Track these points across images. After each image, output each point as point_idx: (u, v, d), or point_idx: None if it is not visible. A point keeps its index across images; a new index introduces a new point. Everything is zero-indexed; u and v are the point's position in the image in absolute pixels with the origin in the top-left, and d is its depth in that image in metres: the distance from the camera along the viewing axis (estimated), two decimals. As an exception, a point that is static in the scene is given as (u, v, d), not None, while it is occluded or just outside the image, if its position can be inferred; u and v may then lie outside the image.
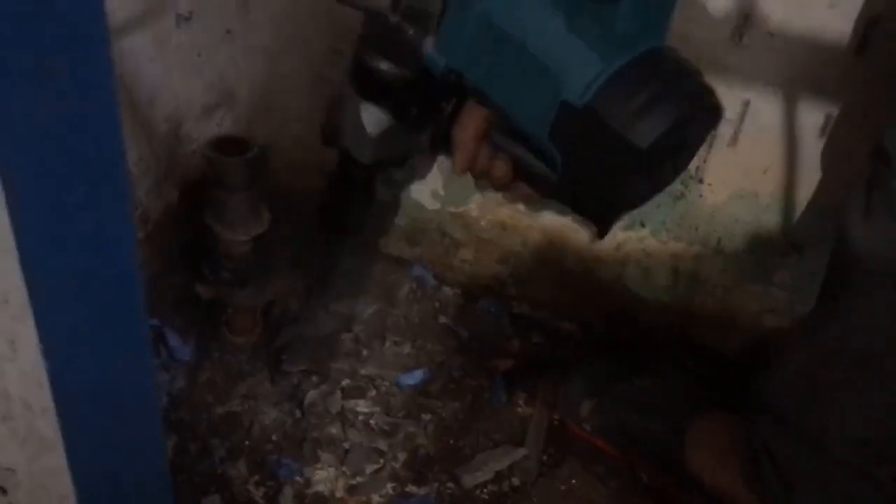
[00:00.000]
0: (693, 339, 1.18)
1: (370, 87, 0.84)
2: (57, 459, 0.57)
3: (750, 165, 1.03)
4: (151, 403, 0.59)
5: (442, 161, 1.16)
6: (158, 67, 1.05)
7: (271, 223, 1.06)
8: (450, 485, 0.99)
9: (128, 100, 1.02)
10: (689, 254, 1.12)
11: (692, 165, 1.04)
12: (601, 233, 0.78)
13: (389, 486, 0.98)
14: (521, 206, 1.16)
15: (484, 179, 0.82)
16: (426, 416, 1.06)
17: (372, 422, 1.05)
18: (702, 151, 1.03)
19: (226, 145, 0.99)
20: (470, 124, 0.78)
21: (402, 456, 1.02)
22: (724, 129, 1.01)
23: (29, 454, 0.58)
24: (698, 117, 0.71)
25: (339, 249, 1.06)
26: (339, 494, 0.97)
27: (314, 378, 1.08)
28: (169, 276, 1.17)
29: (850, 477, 0.89)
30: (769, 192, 1.04)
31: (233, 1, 1.13)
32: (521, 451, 1.03)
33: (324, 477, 0.98)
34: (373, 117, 0.87)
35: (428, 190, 1.20)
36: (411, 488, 0.98)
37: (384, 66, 0.80)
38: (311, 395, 1.06)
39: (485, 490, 0.99)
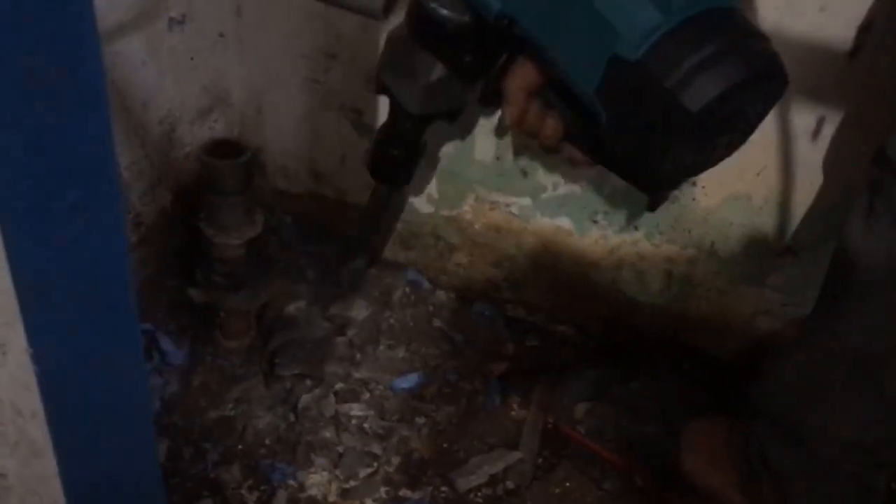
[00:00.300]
0: (687, 342, 1.18)
1: (427, 32, 0.81)
2: (48, 465, 0.56)
3: (743, 168, 1.03)
4: (143, 408, 0.58)
5: (436, 163, 1.16)
6: (151, 71, 1.05)
7: (264, 227, 1.05)
8: (444, 488, 0.99)
9: (121, 103, 1.02)
10: (682, 257, 1.12)
11: (685, 168, 1.04)
12: (652, 205, 0.75)
13: (383, 490, 0.98)
14: (514, 210, 1.16)
15: (533, 138, 0.79)
16: (420, 420, 1.06)
17: (366, 425, 1.05)
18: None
19: (219, 149, 0.99)
20: (522, 77, 0.75)
21: (395, 460, 1.01)
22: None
23: (20, 459, 0.58)
24: (760, 86, 0.65)
25: (385, 201, 1.04)
26: (332, 498, 0.97)
27: (308, 382, 1.08)
28: (162, 280, 1.17)
29: (845, 481, 0.89)
30: (763, 194, 1.04)
31: (226, 4, 1.13)
32: (516, 455, 1.03)
33: (317, 481, 0.98)
34: (425, 66, 0.84)
35: (422, 193, 1.20)
36: (405, 492, 0.98)
37: (442, 10, 0.78)
38: (305, 398, 1.05)
39: (479, 494, 0.99)
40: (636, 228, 1.12)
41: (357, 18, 1.08)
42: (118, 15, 0.97)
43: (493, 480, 1.00)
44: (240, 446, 1.00)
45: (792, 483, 0.91)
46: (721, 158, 0.71)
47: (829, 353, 0.86)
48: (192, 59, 1.11)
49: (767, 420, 0.92)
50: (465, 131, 1.11)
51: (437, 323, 1.20)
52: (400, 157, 0.96)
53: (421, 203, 1.21)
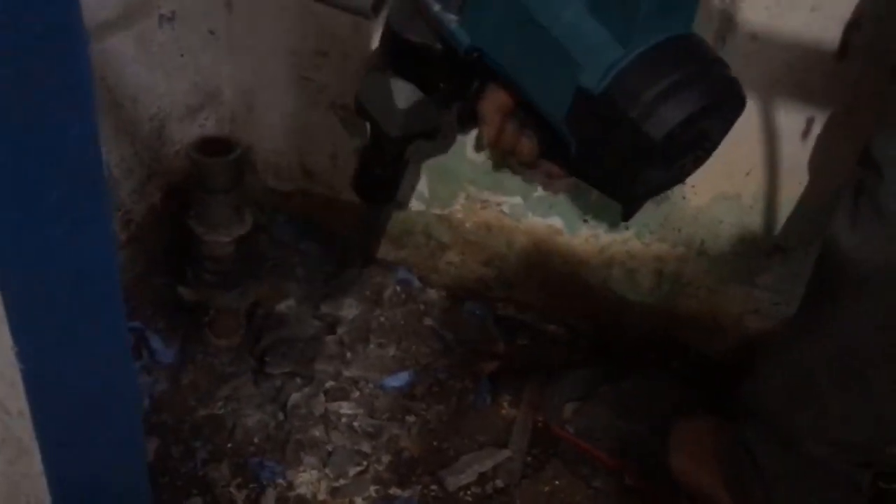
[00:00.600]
0: (677, 341, 1.18)
1: (401, 59, 0.84)
2: (34, 463, 0.56)
3: (733, 167, 1.03)
4: (130, 407, 0.58)
5: (427, 162, 1.16)
6: (141, 68, 1.04)
7: (254, 224, 1.05)
8: (433, 487, 0.99)
9: (110, 100, 1.02)
10: (672, 256, 1.12)
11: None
12: (626, 215, 0.77)
13: (373, 488, 0.98)
14: (505, 209, 1.16)
15: (510, 156, 0.82)
16: (410, 419, 1.06)
17: (355, 424, 1.04)
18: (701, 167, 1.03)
19: (209, 146, 0.98)
20: (496, 100, 0.77)
21: (385, 458, 1.01)
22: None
23: (6, 457, 0.58)
24: (719, 109, 0.68)
25: (377, 217, 1.06)
26: (321, 497, 0.96)
27: (298, 380, 1.08)
28: (152, 278, 1.16)
29: (831, 480, 0.89)
30: (752, 193, 1.04)
31: (216, 1, 1.12)
32: (506, 453, 1.03)
33: (306, 479, 0.98)
34: (403, 92, 0.87)
35: (413, 192, 1.20)
36: (395, 491, 0.98)
37: (415, 39, 0.80)
38: (295, 397, 1.05)
39: (469, 492, 0.99)
40: (626, 227, 1.12)
41: (348, 16, 1.08)
42: (108, 12, 0.96)
43: (483, 479, 1.00)
44: (229, 445, 1.00)
45: (779, 482, 0.91)
46: (689, 173, 0.74)
47: (815, 353, 0.86)
48: (182, 56, 1.11)
49: (755, 419, 0.93)
50: (463, 136, 1.11)
51: (427, 321, 1.20)
52: (384, 176, 0.99)
53: (412, 202, 1.21)
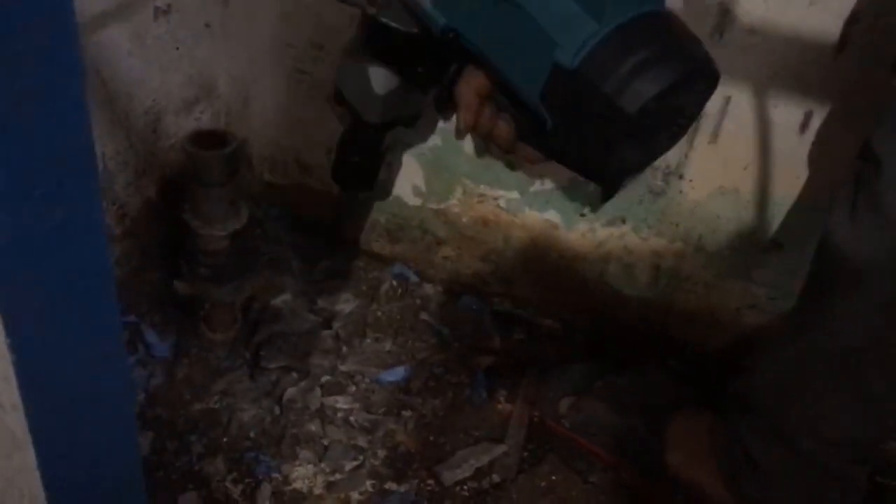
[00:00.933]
0: (673, 337, 1.18)
1: (379, 44, 0.84)
2: (28, 457, 0.56)
3: (730, 162, 1.03)
4: (124, 401, 0.58)
5: (423, 155, 1.16)
6: (136, 61, 1.04)
7: (250, 218, 1.05)
8: (430, 482, 0.99)
9: (105, 94, 1.01)
10: (670, 250, 1.12)
11: (673, 161, 1.05)
12: (604, 196, 0.77)
13: (369, 483, 0.98)
14: (502, 203, 1.16)
15: (488, 140, 0.82)
16: (406, 413, 1.06)
17: (351, 418, 1.04)
18: (682, 147, 1.03)
19: (205, 140, 0.98)
20: (472, 83, 0.78)
21: (381, 453, 1.01)
22: (705, 126, 1.01)
23: (0, 452, 0.58)
24: (693, 84, 0.69)
25: (353, 205, 1.07)
26: (317, 491, 0.96)
27: (293, 374, 1.07)
28: (147, 272, 1.16)
29: (827, 476, 0.89)
30: (750, 188, 1.04)
31: (212, -6, 1.12)
32: (502, 448, 1.03)
33: (302, 474, 0.97)
34: (381, 78, 0.88)
35: (409, 186, 1.19)
36: (391, 485, 0.98)
37: (391, 23, 0.80)
38: (291, 391, 1.05)
39: (465, 487, 0.99)
40: (623, 222, 1.12)
41: (344, 9, 1.08)
42: (103, 4, 0.96)
43: (479, 474, 1.00)
44: (224, 439, 1.00)
45: (775, 477, 0.91)
46: (666, 150, 0.75)
47: (811, 348, 0.86)
48: (177, 49, 1.10)
49: (751, 414, 0.93)
50: (452, 124, 1.11)
51: (423, 316, 1.19)
52: (362, 164, 0.99)
53: (408, 196, 1.20)
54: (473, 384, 1.11)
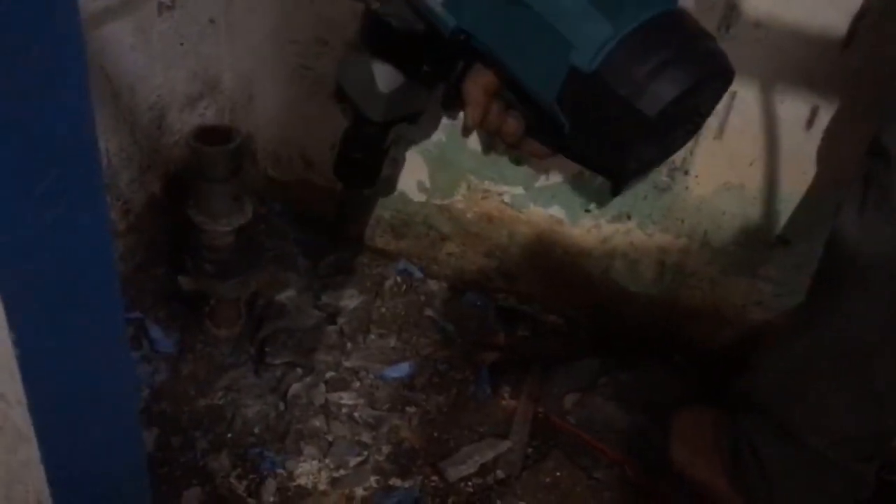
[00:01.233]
0: (679, 332, 1.18)
1: (381, 43, 0.83)
2: (33, 452, 0.56)
3: (736, 157, 1.02)
4: (128, 396, 0.58)
5: (428, 151, 1.16)
6: (140, 56, 1.04)
7: (254, 214, 1.05)
8: (434, 478, 0.99)
9: (109, 89, 1.01)
10: (675, 246, 1.12)
11: (678, 157, 1.04)
12: (614, 190, 0.77)
13: (373, 479, 0.98)
14: (506, 199, 1.16)
15: (496, 137, 0.81)
16: (411, 409, 1.06)
17: (356, 414, 1.04)
18: (688, 143, 1.02)
19: (209, 135, 0.98)
20: (481, 80, 0.77)
21: (386, 449, 1.01)
22: (711, 121, 1.00)
23: (5, 446, 0.58)
24: (710, 82, 0.69)
25: (355, 203, 1.06)
26: (322, 487, 0.96)
27: (298, 370, 1.07)
28: (151, 268, 1.16)
29: (833, 473, 0.89)
30: (755, 184, 1.04)
31: (216, -11, 1.12)
32: (506, 444, 1.03)
33: (307, 470, 0.97)
34: (384, 75, 0.87)
35: (414, 182, 1.19)
36: (395, 481, 0.98)
37: (393, 21, 0.80)
38: (295, 387, 1.05)
39: (469, 483, 0.99)
40: (629, 218, 1.12)
41: (348, 4, 1.07)
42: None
43: (484, 470, 1.00)
44: (229, 435, 1.00)
45: (780, 474, 0.91)
46: (680, 147, 0.75)
47: (819, 345, 0.86)
48: (181, 44, 1.10)
49: (756, 411, 0.92)
50: (457, 120, 1.11)
51: (428, 312, 1.19)
52: (364, 160, 0.98)
53: (413, 192, 1.20)
54: (478, 380, 1.11)
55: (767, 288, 1.11)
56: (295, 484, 0.96)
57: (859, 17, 0.89)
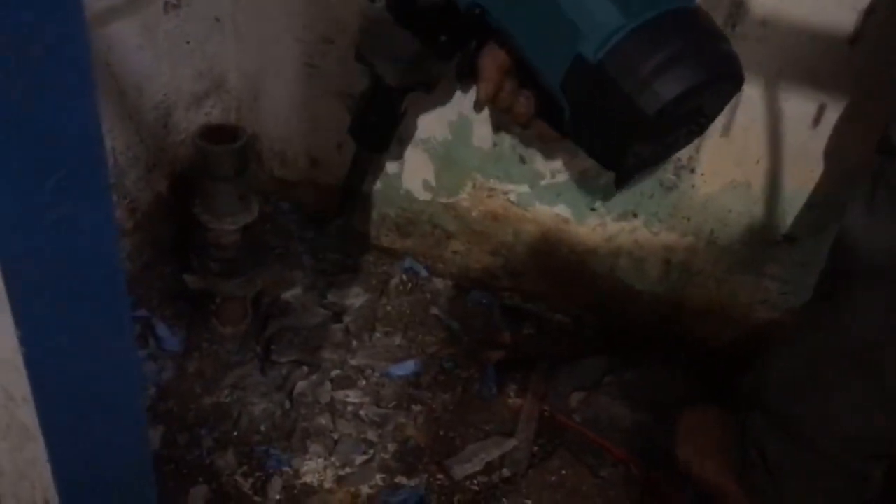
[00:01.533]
0: (685, 331, 1.17)
1: (403, 11, 0.84)
2: (39, 450, 0.56)
3: (742, 156, 1.02)
4: (133, 394, 0.58)
5: (433, 150, 1.16)
6: (146, 55, 1.04)
7: (260, 213, 1.05)
8: (440, 476, 0.99)
9: (115, 88, 1.01)
10: (681, 245, 1.12)
11: (684, 155, 1.04)
12: (618, 184, 0.77)
13: (379, 477, 0.98)
14: (512, 197, 1.15)
15: (506, 114, 0.82)
16: (416, 407, 1.06)
17: (362, 412, 1.04)
18: (694, 141, 1.02)
19: (215, 134, 0.98)
20: (496, 56, 0.78)
21: (391, 447, 1.01)
22: (717, 119, 1.00)
23: (11, 443, 0.58)
24: (715, 86, 0.68)
25: (365, 164, 1.07)
26: (327, 485, 0.96)
27: (304, 368, 1.07)
28: (158, 267, 1.16)
29: (840, 472, 0.88)
30: (762, 182, 1.03)
31: (222, -12, 1.12)
32: (512, 443, 1.03)
33: (312, 468, 0.98)
34: (402, 42, 0.88)
35: (419, 180, 1.19)
36: (401, 479, 0.98)
37: None
38: (301, 385, 1.05)
39: (475, 481, 0.99)
40: (635, 216, 1.11)
41: (354, 2, 1.07)
42: (112, -2, 0.96)
43: (489, 468, 1.00)
44: (235, 433, 1.00)
45: (787, 473, 0.91)
46: (681, 147, 0.75)
47: (827, 344, 0.85)
48: (187, 43, 1.10)
49: (763, 410, 0.92)
50: (463, 117, 1.11)
51: (433, 311, 1.19)
52: (378, 123, 0.99)
53: (418, 190, 1.20)
54: (483, 379, 1.11)
55: (774, 286, 1.11)
56: (301, 482, 0.96)
57: (867, 14, 0.89)
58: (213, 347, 1.08)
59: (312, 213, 1.27)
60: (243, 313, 1.10)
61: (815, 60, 0.93)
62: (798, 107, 0.96)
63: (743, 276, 1.11)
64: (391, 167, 1.19)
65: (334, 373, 1.08)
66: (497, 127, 1.11)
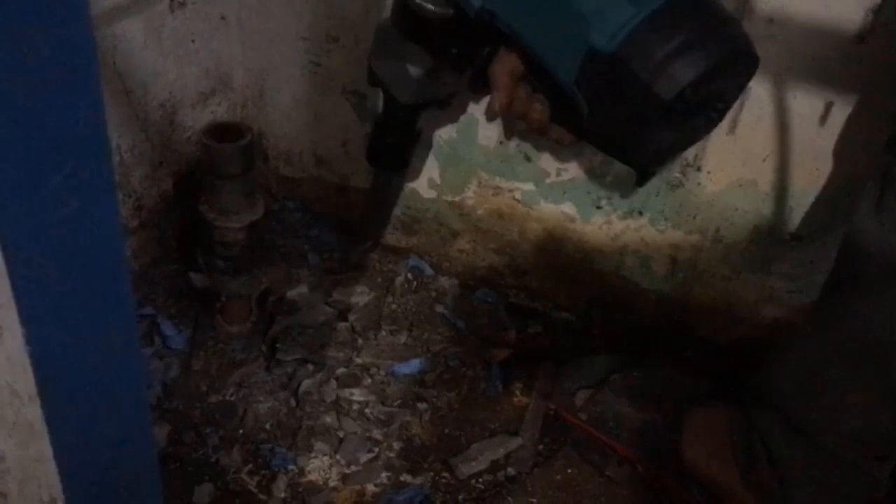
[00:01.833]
0: (691, 329, 1.17)
1: (413, 26, 0.84)
2: (45, 447, 0.56)
3: (749, 153, 1.02)
4: (138, 391, 0.58)
5: (439, 148, 1.16)
6: (152, 53, 1.04)
7: (265, 211, 1.05)
8: (445, 474, 0.99)
9: (121, 86, 1.02)
10: (687, 243, 1.11)
11: (690, 153, 1.04)
12: (640, 180, 0.77)
13: (384, 475, 0.98)
14: (517, 195, 1.15)
15: (521, 121, 0.82)
16: (421, 406, 1.06)
17: (367, 411, 1.04)
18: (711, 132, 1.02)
19: (221, 132, 0.98)
20: (508, 64, 0.78)
21: (396, 445, 1.01)
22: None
23: (18, 441, 0.58)
24: (731, 68, 0.68)
25: (386, 186, 1.07)
26: (332, 483, 0.96)
27: (309, 367, 1.07)
28: (163, 265, 1.16)
29: (846, 471, 0.88)
30: (768, 180, 1.03)
31: (227, -14, 1.12)
32: (517, 441, 1.03)
33: (318, 466, 0.97)
34: (414, 59, 0.88)
35: (424, 178, 1.19)
36: (406, 477, 0.98)
37: (426, 4, 0.80)
38: (306, 383, 1.05)
39: (480, 480, 0.99)
40: (641, 214, 1.11)
41: (359, 0, 1.08)
42: (118, -4, 0.96)
43: (495, 466, 1.00)
44: (240, 431, 1.00)
45: (794, 472, 0.91)
46: (702, 135, 0.75)
47: (835, 344, 0.85)
48: (193, 41, 1.10)
49: (770, 409, 0.92)
50: (468, 116, 1.11)
51: (439, 309, 1.19)
52: (396, 144, 0.99)
53: (423, 188, 1.20)
54: (489, 377, 1.10)
55: (780, 284, 1.10)
56: (306, 480, 0.96)
57: (875, 12, 0.88)
58: (218, 346, 1.08)
59: (318, 211, 1.27)
60: (249, 311, 1.10)
61: (822, 58, 0.93)
62: (805, 105, 0.96)
63: (749, 275, 1.11)
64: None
65: (340, 371, 1.08)
66: (509, 134, 1.10)
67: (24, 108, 0.36)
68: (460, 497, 0.97)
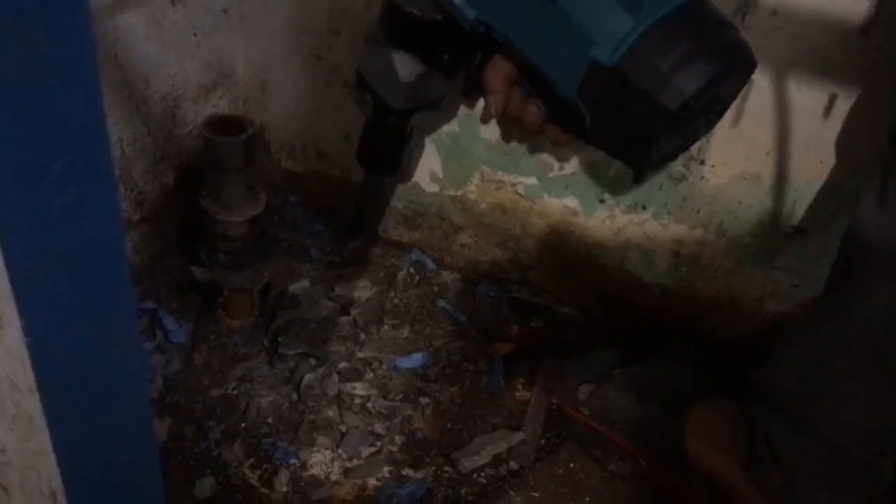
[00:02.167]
0: (694, 324, 1.17)
1: (400, 32, 0.84)
2: (45, 441, 0.56)
3: (753, 147, 1.01)
4: (139, 384, 0.58)
5: (441, 142, 1.15)
6: (154, 46, 1.04)
7: (267, 205, 1.05)
8: (447, 468, 0.99)
9: (123, 79, 1.01)
10: (690, 237, 1.11)
11: (694, 147, 1.03)
12: (637, 179, 0.77)
13: (386, 469, 0.98)
14: (520, 189, 1.15)
15: (517, 124, 0.82)
16: (424, 400, 1.06)
17: (369, 405, 1.04)
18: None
19: (222, 126, 0.98)
20: (502, 68, 0.77)
21: (399, 439, 1.01)
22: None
23: (18, 434, 0.58)
24: (732, 74, 0.69)
25: (376, 188, 1.07)
26: (334, 478, 0.96)
27: (311, 361, 1.07)
28: (165, 259, 1.16)
29: (850, 466, 0.88)
30: (772, 173, 1.02)
31: (229, -21, 1.11)
32: (519, 435, 1.03)
33: (320, 460, 0.97)
34: (405, 64, 0.87)
35: (426, 172, 1.19)
36: (408, 472, 0.98)
37: (411, 9, 0.80)
38: (308, 377, 1.05)
39: (482, 474, 0.99)
40: (644, 208, 1.11)
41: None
42: (119, -11, 0.96)
43: (497, 461, 1.00)
44: (242, 425, 1.00)
45: (797, 467, 0.90)
46: (701, 137, 0.77)
47: (838, 338, 0.85)
48: (194, 34, 1.10)
49: (773, 403, 0.91)
50: (470, 109, 1.10)
51: (441, 303, 1.19)
52: (386, 147, 0.99)
53: (426, 183, 1.20)
54: (491, 371, 1.10)
55: (783, 278, 1.10)
56: (308, 474, 0.96)
57: (879, 3, 0.88)
58: (220, 340, 1.08)
59: (320, 205, 1.27)
60: (251, 306, 1.10)
61: (826, 50, 0.92)
62: (809, 97, 0.95)
63: (753, 269, 1.11)
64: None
65: (342, 365, 1.08)
66: (508, 136, 1.10)
67: (22, 98, 0.36)
68: (462, 491, 0.96)
